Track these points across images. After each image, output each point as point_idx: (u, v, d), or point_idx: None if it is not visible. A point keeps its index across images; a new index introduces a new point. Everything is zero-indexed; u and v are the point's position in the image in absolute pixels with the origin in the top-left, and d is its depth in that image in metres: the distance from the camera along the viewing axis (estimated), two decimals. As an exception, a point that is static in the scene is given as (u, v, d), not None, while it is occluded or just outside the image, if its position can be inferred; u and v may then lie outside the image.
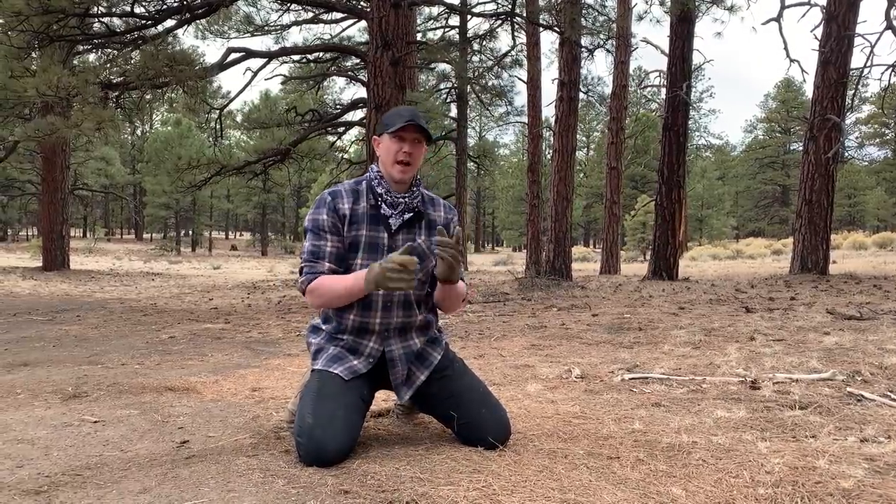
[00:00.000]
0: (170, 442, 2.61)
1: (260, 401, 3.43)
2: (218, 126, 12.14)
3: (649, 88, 37.21)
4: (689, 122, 14.45)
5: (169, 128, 50.01)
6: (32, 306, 11.03)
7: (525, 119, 23.63)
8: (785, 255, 32.00)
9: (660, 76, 33.83)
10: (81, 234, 59.29)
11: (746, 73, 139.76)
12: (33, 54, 8.72)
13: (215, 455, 2.42)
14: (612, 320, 6.62)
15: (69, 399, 3.69)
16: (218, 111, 12.36)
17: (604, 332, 5.85)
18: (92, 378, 4.28)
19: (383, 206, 2.45)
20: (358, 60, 15.55)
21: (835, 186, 12.28)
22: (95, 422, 3.00)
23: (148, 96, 10.47)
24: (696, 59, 15.65)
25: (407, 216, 2.52)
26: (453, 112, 30.18)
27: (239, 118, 17.35)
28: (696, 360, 4.53)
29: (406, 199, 2.51)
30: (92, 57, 11.34)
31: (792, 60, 13.63)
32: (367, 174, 2.54)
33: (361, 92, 15.10)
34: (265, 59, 10.60)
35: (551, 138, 19.14)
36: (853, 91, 12.85)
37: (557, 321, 6.68)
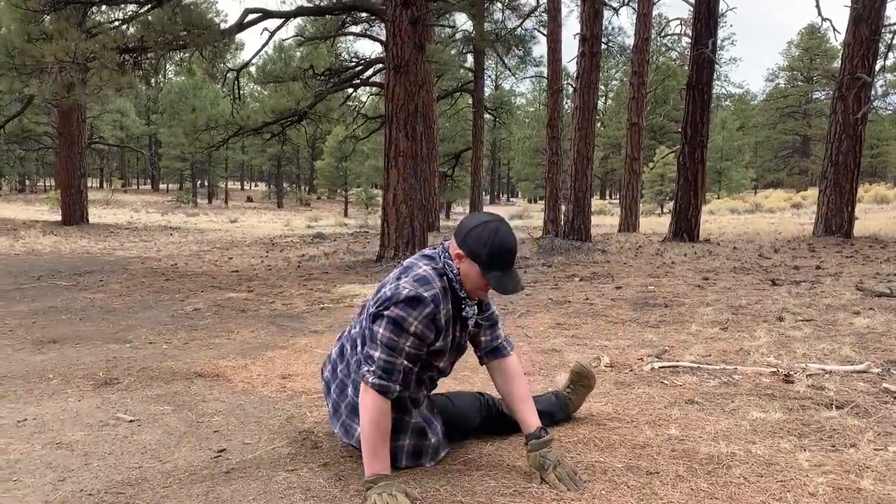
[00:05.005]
0: (207, 450, 2.62)
1: (292, 395, 3.43)
2: (235, 87, 11.99)
3: (669, 37, 36.45)
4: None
5: (183, 77, 49.64)
6: (55, 267, 11.13)
7: (541, 68, 23.26)
8: (805, 209, 31.62)
9: (681, 24, 33.02)
10: (98, 185, 59.56)
11: (770, 19, 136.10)
12: (47, 17, 8.59)
13: (253, 469, 2.42)
14: (637, 294, 6.57)
15: (101, 386, 3.72)
16: (235, 72, 12.20)
17: (629, 309, 5.81)
18: (121, 361, 4.32)
19: (466, 308, 2.37)
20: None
21: (862, 148, 12.02)
22: (131, 421, 3.02)
23: (165, 60, 10.31)
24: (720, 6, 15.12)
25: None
26: (469, 62, 29.77)
27: (253, 70, 17.13)
28: (726, 343, 4.49)
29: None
30: (106, 17, 11.17)
31: (824, 19, 13.20)
32: (445, 267, 2.34)
33: (377, 46, 14.84)
34: (282, 19, 10.40)
35: (570, 88, 18.83)
36: (886, 49, 12.47)
37: (581, 295, 6.64)
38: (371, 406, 2.19)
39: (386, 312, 2.21)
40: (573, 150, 14.69)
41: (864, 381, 3.58)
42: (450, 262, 2.32)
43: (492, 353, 2.51)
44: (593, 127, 14.74)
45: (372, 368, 2.22)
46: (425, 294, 2.20)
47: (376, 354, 2.23)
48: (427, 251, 2.42)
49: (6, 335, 5.33)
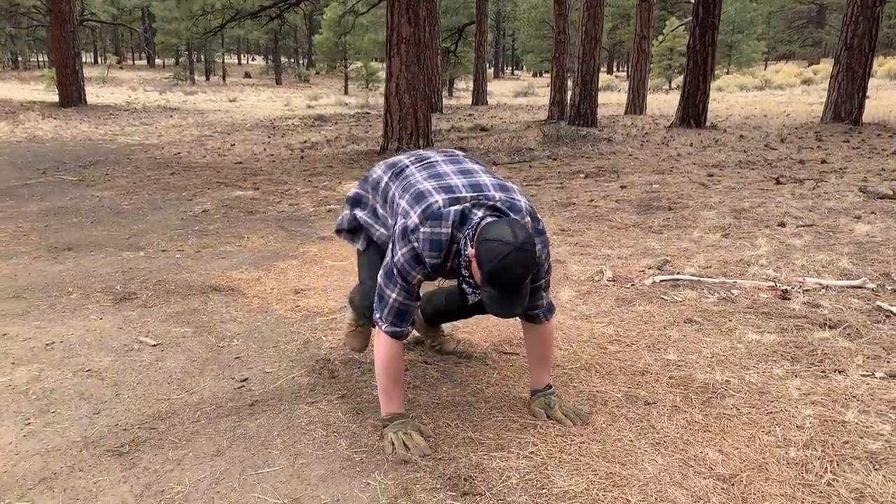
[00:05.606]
0: (230, 379, 2.77)
1: (306, 315, 3.56)
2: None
3: None
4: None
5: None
6: (58, 157, 11.12)
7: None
8: (815, 86, 30.93)
9: None
10: (93, 61, 58.09)
11: None
12: None
13: (276, 401, 2.57)
14: (641, 194, 6.61)
15: (120, 301, 3.86)
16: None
17: (633, 213, 5.87)
18: (137, 272, 4.44)
19: (464, 285, 2.30)
20: None
21: (878, 31, 11.64)
22: (154, 345, 3.16)
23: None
24: None
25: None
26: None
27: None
28: (727, 252, 4.58)
29: None
30: None
31: None
32: (462, 242, 2.22)
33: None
34: None
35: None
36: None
37: (586, 196, 6.68)
38: (384, 351, 2.30)
39: (396, 259, 2.26)
40: (581, 31, 14.27)
41: (859, 297, 3.70)
42: (468, 245, 2.18)
43: (525, 318, 2.50)
44: (602, 5, 14.24)
45: (384, 314, 2.30)
46: (427, 259, 2.22)
47: (392, 296, 2.28)
48: (471, 213, 2.24)
49: (21, 241, 5.44)
